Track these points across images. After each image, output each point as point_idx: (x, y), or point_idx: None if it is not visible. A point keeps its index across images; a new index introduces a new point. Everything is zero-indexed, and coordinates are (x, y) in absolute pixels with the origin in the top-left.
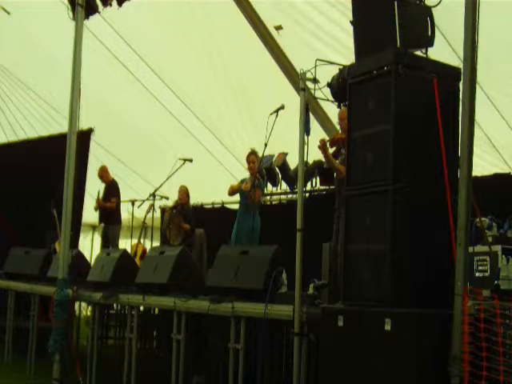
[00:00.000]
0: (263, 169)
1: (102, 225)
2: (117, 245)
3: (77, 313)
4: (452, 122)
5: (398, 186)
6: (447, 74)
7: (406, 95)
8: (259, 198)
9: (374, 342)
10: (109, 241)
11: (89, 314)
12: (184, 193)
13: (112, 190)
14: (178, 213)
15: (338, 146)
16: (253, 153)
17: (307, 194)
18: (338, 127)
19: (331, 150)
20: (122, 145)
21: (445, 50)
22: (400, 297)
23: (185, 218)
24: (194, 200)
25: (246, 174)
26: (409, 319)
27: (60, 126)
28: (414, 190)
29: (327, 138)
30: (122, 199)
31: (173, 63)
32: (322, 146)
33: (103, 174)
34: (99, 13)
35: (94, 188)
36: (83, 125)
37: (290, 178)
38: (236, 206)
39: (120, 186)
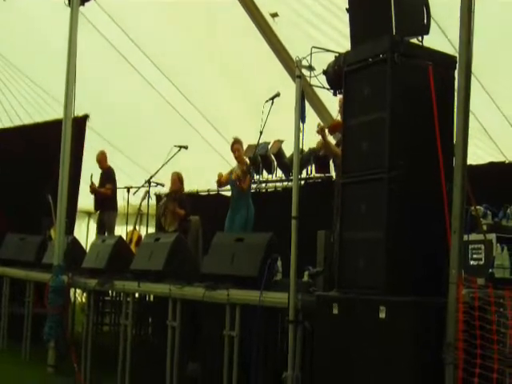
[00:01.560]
0: (258, 156)
1: (98, 211)
2: (113, 231)
3: (72, 299)
4: (447, 110)
5: (394, 174)
6: (443, 62)
7: (402, 83)
8: (249, 184)
9: (368, 330)
10: (104, 227)
11: (84, 300)
12: (176, 180)
13: (108, 176)
14: (173, 199)
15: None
16: (236, 141)
17: (302, 182)
18: (333, 114)
19: (331, 139)
20: (118, 132)
21: (440, 38)
22: (395, 285)
23: (179, 204)
24: (190, 187)
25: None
26: (404, 307)
27: (56, 112)
28: (410, 177)
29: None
30: (117, 186)
31: (168, 50)
32: (320, 131)
33: (102, 158)
34: None
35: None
36: (79, 111)
37: (286, 165)
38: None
39: (116, 173)
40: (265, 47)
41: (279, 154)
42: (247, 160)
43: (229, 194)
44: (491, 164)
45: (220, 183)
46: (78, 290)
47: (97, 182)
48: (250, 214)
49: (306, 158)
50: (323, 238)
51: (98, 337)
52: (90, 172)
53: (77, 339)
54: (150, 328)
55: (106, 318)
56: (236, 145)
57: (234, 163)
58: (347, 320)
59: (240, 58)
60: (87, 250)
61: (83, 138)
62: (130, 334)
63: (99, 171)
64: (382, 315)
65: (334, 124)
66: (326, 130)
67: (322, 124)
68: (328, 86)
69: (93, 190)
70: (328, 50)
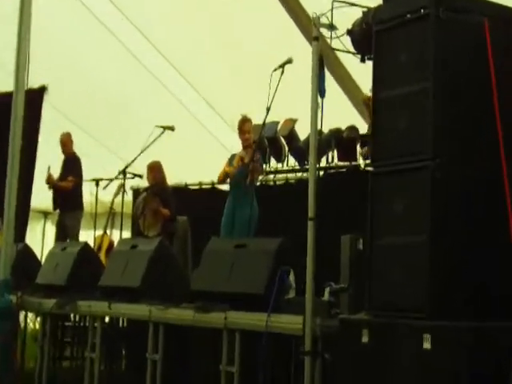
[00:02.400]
0: (265, 139)
1: (58, 211)
2: (76, 237)
3: (22, 325)
4: (508, 77)
5: (440, 162)
6: (502, 16)
7: (449, 45)
8: (258, 177)
9: (408, 365)
10: (66, 232)
11: (38, 327)
12: (156, 170)
13: (72, 165)
14: (154, 195)
15: None
16: (246, 120)
17: (321, 172)
18: (362, 87)
19: None
20: (85, 109)
21: None
22: (444, 305)
23: (163, 202)
24: (177, 179)
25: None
26: (456, 335)
27: (5, 83)
28: (461, 165)
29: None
30: (84, 178)
31: (150, 9)
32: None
33: (67, 141)
34: None
35: (43, 164)
36: (35, 82)
37: (300, 150)
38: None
39: (82, 162)
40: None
41: (291, 136)
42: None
43: (226, 187)
44: None
45: (223, 177)
46: (31, 314)
47: (57, 174)
48: (253, 213)
49: (325, 141)
50: (349, 244)
51: (57, 374)
52: (47, 160)
53: (28, 377)
54: (124, 362)
55: (67, 350)
56: (247, 124)
57: (233, 149)
58: (380, 351)
59: (240, 14)
60: (42, 260)
61: (39, 116)
62: (97, 371)
63: (59, 159)
64: (427, 345)
65: None
66: None
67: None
68: (354, 50)
69: (51, 183)
70: (353, 4)
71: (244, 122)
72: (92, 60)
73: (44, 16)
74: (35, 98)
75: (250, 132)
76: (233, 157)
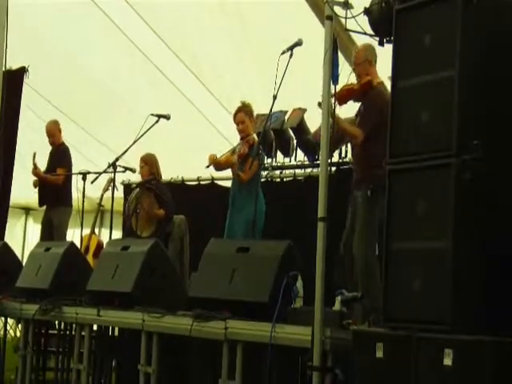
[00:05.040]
0: (270, 131)
1: (45, 207)
2: (64, 236)
3: (1, 333)
4: None
5: (466, 158)
6: None
7: (479, 28)
8: (254, 171)
9: (427, 382)
10: (53, 230)
11: (18, 334)
12: (152, 163)
13: (61, 156)
14: (149, 191)
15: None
16: (239, 109)
17: (333, 168)
18: (379, 73)
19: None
20: (72, 94)
21: None
22: (468, 317)
23: (158, 200)
24: (173, 174)
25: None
26: (481, 351)
27: None
28: (489, 163)
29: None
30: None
31: None
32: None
33: (55, 130)
34: None
35: (27, 154)
36: (14, 63)
37: (310, 144)
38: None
39: None
40: None
41: (300, 128)
42: (255, 137)
43: (229, 183)
44: None
45: (217, 164)
46: (11, 320)
47: (43, 165)
48: (258, 213)
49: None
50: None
51: None
52: (30, 149)
53: None
54: (114, 375)
55: (51, 361)
56: (240, 114)
57: (234, 140)
58: (396, 367)
59: None
60: (24, 261)
61: (19, 100)
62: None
63: (46, 149)
64: (448, 361)
65: (346, 90)
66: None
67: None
68: (371, 32)
69: (37, 175)
70: None
71: (236, 112)
72: (76, 40)
73: None
74: (15, 79)
75: (243, 122)
76: (236, 147)
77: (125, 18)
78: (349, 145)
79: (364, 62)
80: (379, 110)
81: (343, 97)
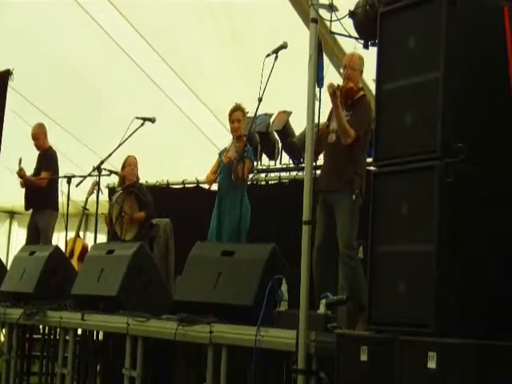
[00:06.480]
0: (255, 134)
1: (31, 211)
2: (50, 240)
3: None
4: None
5: (450, 161)
6: None
7: (464, 30)
8: (248, 173)
9: None
10: (38, 234)
11: (2, 339)
12: (134, 166)
13: (48, 160)
14: (129, 193)
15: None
16: (236, 108)
17: (318, 171)
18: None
19: None
20: (56, 97)
21: None
22: (452, 320)
23: (139, 202)
24: (158, 177)
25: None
26: (464, 354)
27: None
28: (473, 165)
29: None
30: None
31: None
32: (333, 93)
33: (40, 134)
34: None
35: (13, 159)
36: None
37: (295, 147)
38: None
39: None
40: None
41: (286, 130)
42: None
43: (214, 187)
44: None
45: (211, 180)
46: None
47: (30, 170)
48: (244, 216)
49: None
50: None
51: None
52: (14, 153)
53: None
54: (99, 379)
55: (35, 365)
56: (236, 113)
57: (220, 144)
58: (381, 370)
59: None
60: (8, 266)
61: (3, 103)
62: None
63: (31, 153)
64: (432, 364)
65: (348, 87)
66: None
67: (334, 84)
68: (356, 35)
69: (23, 179)
70: None
71: (234, 110)
72: (62, 44)
73: None
74: None
75: (239, 121)
76: (223, 151)
77: (111, 21)
78: None
79: (358, 70)
80: (370, 119)
81: (348, 93)
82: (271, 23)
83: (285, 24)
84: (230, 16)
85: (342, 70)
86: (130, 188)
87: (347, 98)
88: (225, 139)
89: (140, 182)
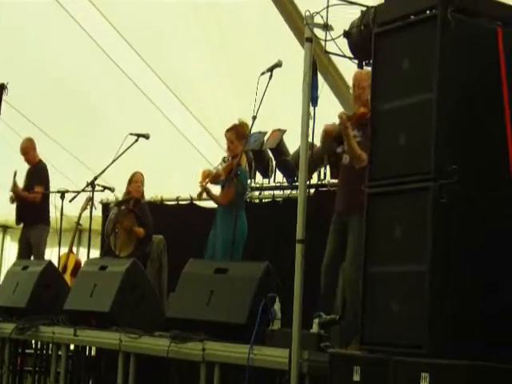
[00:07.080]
0: (250, 152)
1: (22, 225)
2: (42, 254)
3: None
4: None
5: (443, 182)
6: None
7: (457, 51)
8: (233, 196)
9: None
10: (30, 249)
11: None
12: (141, 183)
13: (39, 175)
14: (129, 211)
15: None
16: (231, 129)
17: (312, 190)
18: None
19: None
20: (50, 112)
21: None
22: (445, 341)
23: (138, 219)
24: (152, 193)
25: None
26: (457, 375)
27: None
28: (467, 186)
29: (343, 110)
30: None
31: (127, 6)
32: (344, 122)
33: (29, 149)
34: None
35: (5, 172)
36: None
37: (288, 165)
38: (211, 203)
39: None
40: None
41: (279, 149)
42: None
43: (207, 204)
44: None
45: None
46: None
47: (21, 184)
48: (240, 232)
49: (317, 156)
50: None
51: None
52: (7, 167)
53: None
54: None
55: (27, 380)
56: (230, 133)
57: (214, 161)
58: None
59: (226, 12)
60: (1, 280)
61: None
62: None
63: (24, 167)
64: None
65: (359, 113)
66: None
67: (344, 113)
68: (350, 54)
69: (17, 194)
70: (352, 3)
71: (227, 130)
72: (56, 56)
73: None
74: None
75: (232, 143)
76: (218, 165)
77: (103, 32)
78: (327, 167)
79: (367, 87)
80: None
81: (358, 118)
82: (265, 41)
83: (279, 42)
84: (222, 32)
85: (351, 91)
86: (128, 205)
87: (360, 122)
88: (218, 155)
89: (143, 200)
